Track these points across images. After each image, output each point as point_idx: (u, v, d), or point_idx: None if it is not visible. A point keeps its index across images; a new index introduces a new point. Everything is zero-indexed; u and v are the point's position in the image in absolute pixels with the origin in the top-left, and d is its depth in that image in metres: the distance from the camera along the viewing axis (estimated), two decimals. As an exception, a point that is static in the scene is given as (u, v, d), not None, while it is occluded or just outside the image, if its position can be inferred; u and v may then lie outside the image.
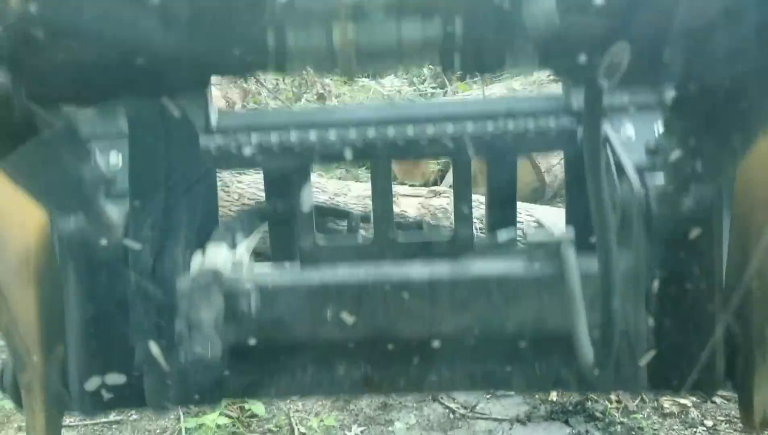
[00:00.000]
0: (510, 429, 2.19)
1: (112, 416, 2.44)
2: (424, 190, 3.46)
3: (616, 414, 2.27)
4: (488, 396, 2.43)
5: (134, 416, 2.44)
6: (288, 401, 2.46)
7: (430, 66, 6.65)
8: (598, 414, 2.28)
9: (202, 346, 1.14)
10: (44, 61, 0.93)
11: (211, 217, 1.40)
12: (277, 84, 6.01)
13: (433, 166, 4.56)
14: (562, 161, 4.36)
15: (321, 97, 5.67)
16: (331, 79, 6.70)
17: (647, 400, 2.35)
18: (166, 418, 2.34)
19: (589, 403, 2.32)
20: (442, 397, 2.45)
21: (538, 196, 4.22)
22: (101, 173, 1.19)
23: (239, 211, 2.77)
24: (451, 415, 2.32)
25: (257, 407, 2.24)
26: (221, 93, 5.60)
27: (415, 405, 2.41)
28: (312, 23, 0.98)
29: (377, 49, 1.01)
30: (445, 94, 5.83)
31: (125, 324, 1.19)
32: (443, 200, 3.36)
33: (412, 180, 4.86)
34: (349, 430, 2.22)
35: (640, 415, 2.27)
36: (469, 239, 1.38)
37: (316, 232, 1.39)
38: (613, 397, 2.34)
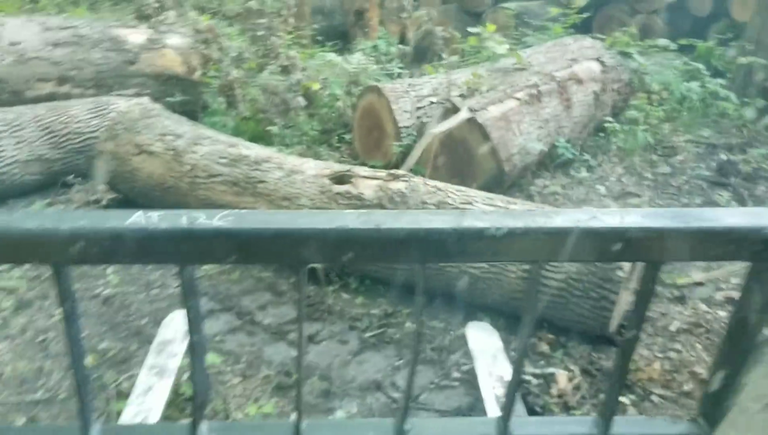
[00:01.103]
0: (451, 421, 2.18)
1: (40, 394, 2.36)
2: (383, 173, 3.40)
3: (556, 409, 2.29)
4: (432, 386, 2.42)
5: (63, 395, 2.36)
6: (227, 385, 2.41)
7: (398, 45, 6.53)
8: (537, 409, 2.30)
9: None
10: None
11: None
12: (240, 54, 5.86)
13: (395, 148, 4.50)
14: (521, 150, 4.34)
15: (285, 70, 5.54)
16: (297, 51, 6.58)
17: (587, 396, 2.38)
18: (96, 398, 2.27)
19: (530, 397, 2.33)
20: (386, 387, 2.44)
21: (496, 184, 4.22)
22: None
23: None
24: (394, 405, 2.31)
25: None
26: (182, 58, 5.43)
27: (358, 393, 2.39)
28: None
29: None
30: (411, 75, 5.76)
31: None
32: (402, 184, 3.30)
33: (372, 159, 4.82)
34: (288, 417, 2.18)
35: (580, 412, 2.29)
36: None
37: None
38: (554, 391, 2.36)
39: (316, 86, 5.42)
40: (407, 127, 4.61)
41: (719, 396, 1.25)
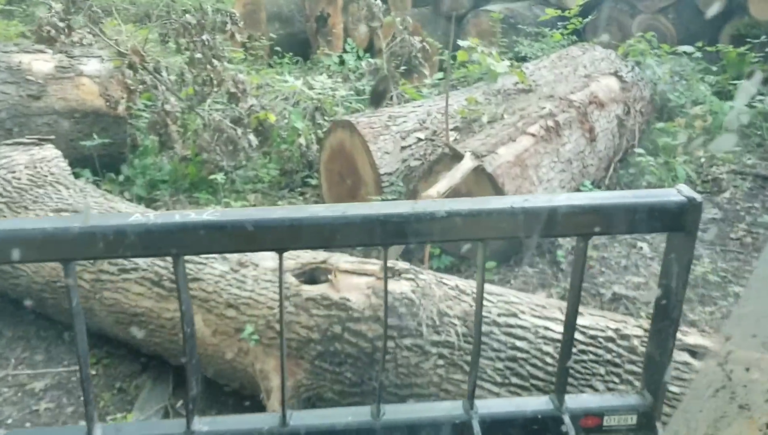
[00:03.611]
0: None
1: None
2: (375, 266, 2.33)
3: None
4: None
5: None
6: None
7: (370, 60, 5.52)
8: None
9: None
10: None
11: None
12: (182, 75, 4.76)
13: (375, 196, 3.47)
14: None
15: (233, 97, 4.47)
16: (247, 73, 5.50)
17: None
18: None
19: None
20: None
21: (513, 250, 3.22)
22: None
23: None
24: None
25: None
26: (99, 89, 4.31)
27: None
28: None
29: None
30: (389, 99, 4.72)
31: None
32: (406, 285, 2.20)
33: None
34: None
35: None
36: None
37: None
38: None
39: (271, 118, 4.36)
40: (390, 174, 3.58)
41: (658, 368, 1.37)
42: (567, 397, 1.40)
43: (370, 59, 5.81)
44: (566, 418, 1.37)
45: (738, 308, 1.21)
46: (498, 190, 3.07)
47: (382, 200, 3.46)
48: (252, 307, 2.30)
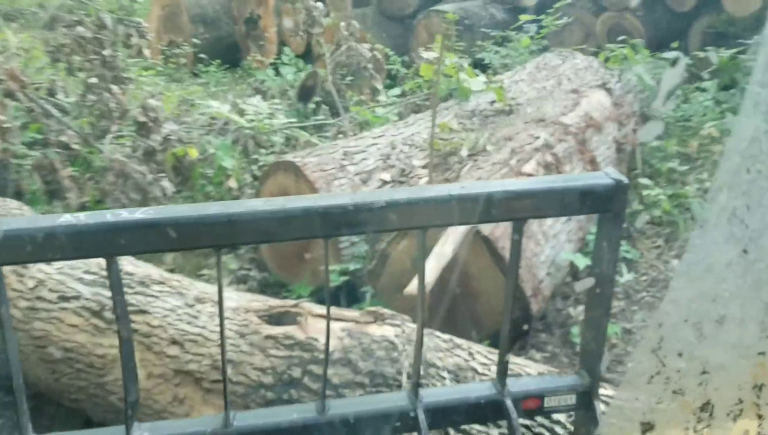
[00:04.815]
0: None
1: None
2: (355, 312, 1.89)
3: None
4: None
5: None
6: None
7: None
8: None
9: None
10: None
11: None
12: (85, 96, 3.79)
13: (333, 266, 2.66)
14: (552, 268, 2.73)
15: (143, 128, 3.57)
16: (165, 89, 4.59)
17: None
18: None
19: None
20: None
21: (516, 334, 2.48)
22: None
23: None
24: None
25: None
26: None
27: None
28: None
29: None
30: (339, 123, 3.89)
31: None
32: (390, 330, 1.79)
33: (294, 279, 2.96)
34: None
35: None
36: None
37: None
38: None
39: (192, 153, 3.48)
40: (350, 231, 2.77)
41: (594, 348, 1.40)
42: (508, 380, 1.41)
43: (310, 70, 4.99)
44: (508, 402, 1.39)
45: (669, 294, 1.00)
46: (497, 258, 2.33)
47: (341, 272, 2.66)
48: (199, 345, 1.81)
